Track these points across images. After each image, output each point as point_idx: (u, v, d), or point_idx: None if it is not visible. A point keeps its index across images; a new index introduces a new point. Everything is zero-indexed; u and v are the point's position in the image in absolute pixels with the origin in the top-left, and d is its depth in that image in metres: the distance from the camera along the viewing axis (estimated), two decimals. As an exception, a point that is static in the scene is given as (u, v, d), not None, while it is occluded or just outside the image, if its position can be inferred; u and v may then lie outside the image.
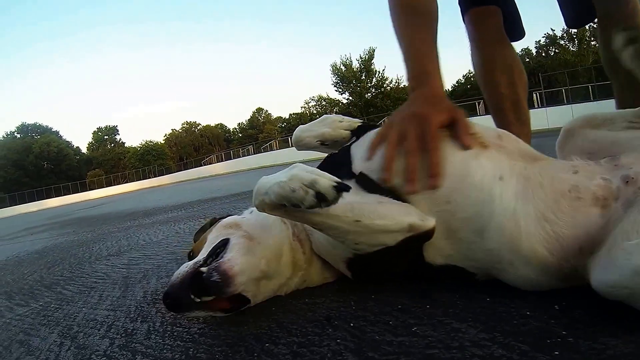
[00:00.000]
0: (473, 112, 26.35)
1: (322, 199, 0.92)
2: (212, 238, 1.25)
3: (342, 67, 48.03)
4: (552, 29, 44.72)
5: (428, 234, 1.03)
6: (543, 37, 45.64)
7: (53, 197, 55.61)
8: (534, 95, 25.99)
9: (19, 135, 73.43)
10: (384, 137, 1.18)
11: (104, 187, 57.95)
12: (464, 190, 1.02)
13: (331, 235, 1.06)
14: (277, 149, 37.74)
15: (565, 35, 43.23)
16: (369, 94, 48.82)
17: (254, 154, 40.99)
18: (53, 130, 76.92)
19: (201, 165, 49.22)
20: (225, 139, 77.88)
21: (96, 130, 79.31)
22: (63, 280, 2.36)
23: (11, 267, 3.33)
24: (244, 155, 42.38)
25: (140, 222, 5.12)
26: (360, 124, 1.49)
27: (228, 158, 45.49)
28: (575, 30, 40.46)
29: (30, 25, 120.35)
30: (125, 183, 59.02)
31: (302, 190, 0.92)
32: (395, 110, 1.30)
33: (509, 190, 0.99)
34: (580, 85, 25.89)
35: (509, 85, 2.17)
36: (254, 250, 1.15)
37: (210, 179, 25.15)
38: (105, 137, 79.10)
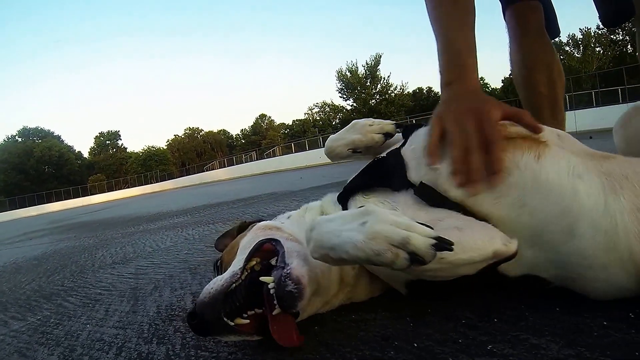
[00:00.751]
0: None
1: (416, 261, 0.77)
2: (247, 243, 1.09)
3: (348, 73, 47.86)
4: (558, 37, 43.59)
5: (511, 258, 0.89)
6: None
7: (54, 202, 55.41)
8: None
9: (20, 139, 73.24)
10: (440, 137, 1.07)
11: (105, 192, 57.78)
12: (540, 189, 0.91)
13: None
14: (280, 155, 37.70)
15: (570, 41, 43.13)
16: (373, 101, 48.58)
17: (257, 159, 40.96)
18: (55, 134, 76.85)
19: (204, 171, 49.27)
20: (228, 145, 77.76)
21: (98, 135, 79.19)
22: (64, 290, 2.15)
23: (8, 275, 3.13)
24: (246, 161, 42.39)
25: (145, 227, 4.93)
26: (392, 124, 1.40)
27: (231, 164, 45.45)
28: (581, 37, 40.55)
29: (33, 31, 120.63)
30: (127, 188, 59.07)
31: (390, 254, 0.78)
32: (438, 107, 1.18)
33: (592, 186, 0.88)
34: (584, 92, 25.90)
35: (548, 84, 2.09)
36: (309, 259, 0.96)
37: (214, 184, 25.01)
38: (107, 142, 78.87)
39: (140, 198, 22.36)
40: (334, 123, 54.79)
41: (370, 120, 1.42)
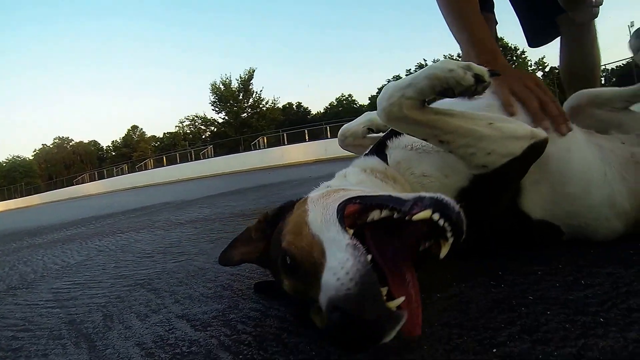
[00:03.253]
0: None
1: (479, 80, 0.88)
2: (322, 216, 0.78)
3: (222, 86, 45.88)
4: (424, 59, 46.54)
5: (544, 144, 0.97)
6: (415, 66, 46.72)
7: None
8: None
9: None
10: (510, 94, 1.16)
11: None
12: (571, 151, 1.07)
13: (461, 148, 0.93)
14: (151, 168, 35.29)
15: None
16: (245, 114, 46.88)
17: (129, 173, 37.59)
18: None
19: (73, 185, 43.69)
20: (98, 157, 68.73)
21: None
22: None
23: None
24: (118, 175, 38.65)
25: (32, 242, 3.85)
26: None
27: (101, 177, 40.77)
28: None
29: None
30: (-18, 204, 50.24)
31: (460, 70, 0.88)
32: (494, 75, 1.11)
33: (596, 157, 1.10)
34: None
35: None
36: None
37: (87, 198, 22.42)
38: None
39: (4, 214, 18.92)
40: (203, 137, 52.15)
41: None
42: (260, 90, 47.79)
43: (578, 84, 1.89)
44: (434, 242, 0.70)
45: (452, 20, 1.58)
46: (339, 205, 0.77)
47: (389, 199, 0.72)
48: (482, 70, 0.89)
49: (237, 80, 46.63)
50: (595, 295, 0.84)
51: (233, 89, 46.26)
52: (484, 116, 0.95)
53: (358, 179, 1.02)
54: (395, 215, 0.69)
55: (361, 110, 49.20)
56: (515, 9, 2.30)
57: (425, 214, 0.64)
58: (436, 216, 0.64)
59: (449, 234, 0.65)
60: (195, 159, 30.93)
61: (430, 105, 0.93)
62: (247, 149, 30.82)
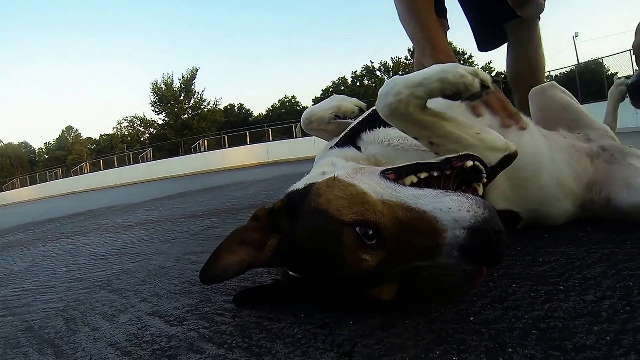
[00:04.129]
0: (290, 135, 27.15)
1: (484, 87, 0.92)
2: (368, 180, 0.84)
3: (163, 86, 44.10)
4: (371, 61, 47.68)
5: (515, 156, 0.99)
6: (361, 68, 48.06)
7: None
8: (351, 120, 28.23)
9: None
10: None
11: None
12: (523, 140, 1.12)
13: (447, 152, 0.90)
14: (87, 172, 33.58)
15: (382, 67, 46.49)
16: (186, 115, 45.38)
17: (63, 177, 35.50)
18: None
19: (2, 190, 40.65)
20: (29, 161, 63.57)
21: None
22: None
23: None
24: (51, 179, 36.41)
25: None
26: (362, 103, 1.48)
27: (34, 182, 38.24)
28: (392, 64, 44.86)
29: None
30: None
31: (470, 76, 0.91)
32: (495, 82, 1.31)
33: (544, 144, 1.21)
34: None
35: None
36: None
37: (20, 205, 21.02)
38: None
39: None
40: (142, 139, 49.86)
41: (345, 96, 1.50)
42: (202, 91, 46.46)
43: (523, 86, 1.99)
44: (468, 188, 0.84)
45: (409, 20, 1.62)
46: (381, 173, 0.83)
47: (418, 165, 0.84)
48: (487, 77, 0.92)
49: (179, 79, 45.03)
50: (553, 269, 0.95)
51: (174, 88, 44.58)
52: (473, 125, 0.98)
53: (349, 165, 1.00)
54: (436, 173, 0.81)
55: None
56: (467, 15, 2.40)
57: (469, 162, 0.81)
58: (477, 163, 0.82)
59: (484, 175, 0.84)
60: (134, 163, 29.78)
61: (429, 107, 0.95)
62: (188, 151, 30.04)
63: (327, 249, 0.76)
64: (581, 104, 1.57)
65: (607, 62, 19.71)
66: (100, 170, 31.90)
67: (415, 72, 0.95)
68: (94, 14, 77.35)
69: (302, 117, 1.48)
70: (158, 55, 73.80)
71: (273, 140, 25.98)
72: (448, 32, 2.41)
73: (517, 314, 0.76)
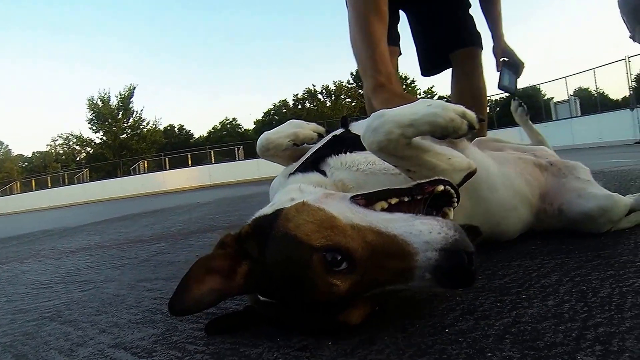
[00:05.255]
0: (232, 157, 26.90)
1: (471, 127, 0.96)
2: (337, 205, 0.86)
3: (100, 103, 42.22)
4: (313, 85, 48.08)
5: (474, 173, 1.05)
6: (303, 91, 48.23)
7: None
8: None
9: None
10: None
11: None
12: (475, 158, 1.16)
13: (421, 177, 0.94)
14: (18, 193, 31.46)
15: (324, 91, 47.12)
16: (125, 135, 43.66)
17: (-7, 198, 33.04)
18: None
19: None
20: None
21: None
22: None
23: None
24: (-22, 200, 33.91)
25: None
26: (321, 127, 1.45)
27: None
28: (334, 88, 45.58)
29: None
30: None
31: (459, 119, 0.94)
32: (380, 103, 1.52)
33: (491, 162, 1.32)
34: None
35: None
36: None
37: None
38: None
39: None
40: (78, 158, 47.22)
41: (303, 121, 1.46)
42: (141, 110, 45.05)
43: None
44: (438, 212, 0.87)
45: (359, 37, 1.66)
46: (351, 199, 0.87)
47: (389, 190, 0.87)
48: (473, 117, 0.96)
49: (117, 97, 43.27)
50: (513, 281, 1.05)
51: (112, 106, 42.77)
52: (444, 151, 1.03)
53: (318, 191, 1.00)
54: (407, 199, 0.85)
55: (246, 134, 49.22)
56: (415, 42, 2.55)
57: (440, 187, 0.85)
58: (448, 187, 0.85)
59: (455, 199, 0.88)
60: (69, 184, 28.27)
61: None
62: (127, 173, 29.02)
63: (297, 275, 0.76)
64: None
65: (543, 88, 21.61)
66: (33, 190, 29.97)
67: (403, 108, 0.97)
68: (26, 24, 73.48)
69: (258, 144, 1.42)
70: (96, 70, 70.73)
71: (216, 162, 25.63)
72: (400, 57, 2.53)
73: (488, 322, 0.82)
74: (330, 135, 1.33)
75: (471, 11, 2.47)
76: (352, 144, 1.16)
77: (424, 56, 2.55)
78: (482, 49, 2.41)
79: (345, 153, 1.14)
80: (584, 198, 1.33)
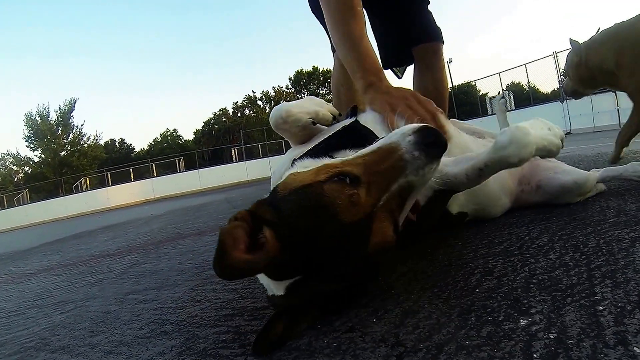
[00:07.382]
0: (174, 169, 26.26)
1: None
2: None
3: (38, 119, 39.60)
4: (253, 91, 47.70)
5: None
6: (243, 98, 48.02)
7: None
8: (233, 150, 27.89)
9: None
10: (394, 115, 1.25)
11: None
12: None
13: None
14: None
15: (264, 97, 46.83)
16: (65, 152, 41.18)
17: None
18: None
19: None
20: None
21: None
22: None
23: None
24: None
25: None
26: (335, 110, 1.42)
27: None
28: (273, 94, 45.28)
29: None
30: None
31: (557, 140, 1.11)
32: (374, 101, 1.40)
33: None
34: (274, 141, 28.20)
35: None
36: None
37: None
38: None
39: None
40: (16, 179, 43.24)
41: (322, 100, 1.41)
42: (82, 125, 42.78)
43: None
44: None
45: (340, 40, 1.61)
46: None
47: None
48: (563, 138, 1.14)
49: (56, 112, 40.84)
50: (511, 245, 1.09)
51: (51, 121, 40.31)
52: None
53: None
54: None
55: (186, 145, 47.88)
56: (375, 37, 2.50)
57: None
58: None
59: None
60: (8, 207, 26.41)
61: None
62: (69, 191, 27.59)
63: (319, 207, 0.78)
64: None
65: (478, 84, 22.46)
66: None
67: (535, 129, 1.08)
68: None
69: (275, 114, 1.30)
70: (32, 85, 66.57)
71: (158, 175, 25.02)
72: None
73: (509, 278, 0.90)
74: (340, 125, 1.29)
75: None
76: (364, 137, 1.14)
77: (385, 51, 2.52)
78: (443, 43, 2.42)
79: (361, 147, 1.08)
80: (561, 174, 1.49)
